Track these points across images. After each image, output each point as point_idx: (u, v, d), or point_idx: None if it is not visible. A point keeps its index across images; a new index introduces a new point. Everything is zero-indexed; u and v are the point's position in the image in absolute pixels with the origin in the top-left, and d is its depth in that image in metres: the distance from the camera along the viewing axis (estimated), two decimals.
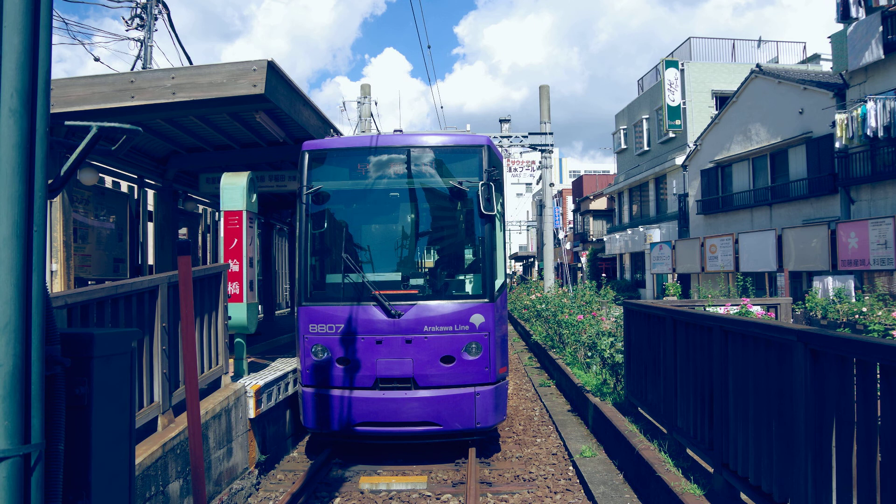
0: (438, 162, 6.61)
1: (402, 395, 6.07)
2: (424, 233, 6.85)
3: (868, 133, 14.83)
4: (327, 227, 6.64)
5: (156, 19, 14.87)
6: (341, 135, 8.88)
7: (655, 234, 27.18)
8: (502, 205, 6.75)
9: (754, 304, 6.42)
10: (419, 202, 6.75)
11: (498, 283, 6.43)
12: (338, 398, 6.13)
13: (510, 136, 23.35)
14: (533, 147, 23.25)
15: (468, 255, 6.71)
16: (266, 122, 6.98)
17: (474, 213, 6.41)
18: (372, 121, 25.42)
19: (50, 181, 1.67)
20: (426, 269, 6.76)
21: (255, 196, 6.58)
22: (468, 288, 6.51)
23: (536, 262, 44.58)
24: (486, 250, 6.37)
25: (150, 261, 10.38)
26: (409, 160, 6.58)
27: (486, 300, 6.27)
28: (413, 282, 6.57)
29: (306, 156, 6.57)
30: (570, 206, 47.39)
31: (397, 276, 6.59)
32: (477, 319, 6.18)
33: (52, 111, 1.76)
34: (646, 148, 29.78)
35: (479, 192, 6.27)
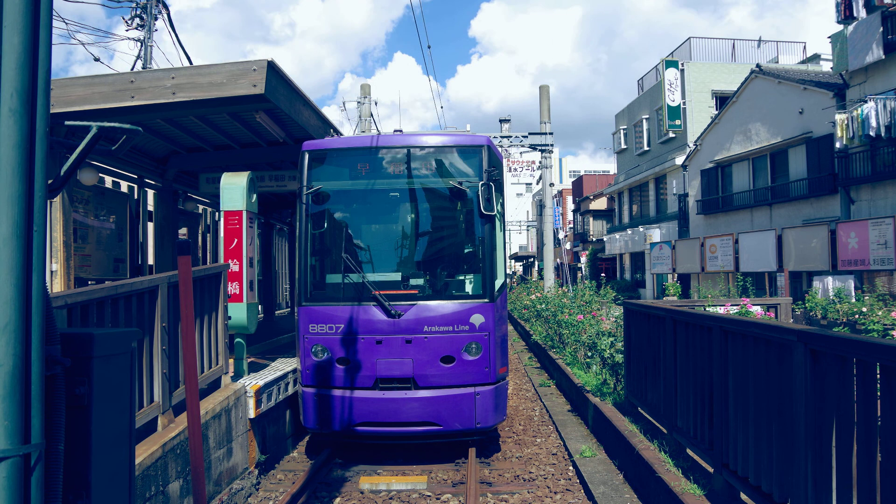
0: (438, 162, 6.61)
1: (402, 395, 6.08)
2: (424, 233, 6.86)
3: (868, 133, 14.84)
4: (327, 227, 6.64)
5: (156, 19, 14.88)
6: (341, 135, 8.88)
7: (655, 234, 27.18)
8: (502, 205, 6.75)
9: (754, 304, 6.42)
10: (419, 202, 6.76)
11: (498, 283, 6.43)
12: (338, 398, 6.14)
13: (510, 136, 23.36)
14: (533, 147, 23.24)
15: (468, 254, 6.72)
16: (266, 122, 6.98)
17: (474, 213, 6.41)
18: (372, 121, 25.43)
19: (50, 181, 1.67)
20: (426, 269, 6.76)
21: (255, 196, 6.58)
22: (468, 288, 6.51)
23: (536, 262, 44.60)
24: (486, 250, 6.38)
25: (150, 261, 10.38)
26: (409, 160, 6.58)
27: (486, 300, 6.27)
28: (413, 282, 6.57)
29: (306, 156, 6.57)
30: (570, 206, 47.40)
31: (397, 276, 6.59)
32: (477, 319, 6.18)
33: (52, 111, 1.76)
34: (646, 148, 29.78)
35: (479, 192, 6.27)
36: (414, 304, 6.21)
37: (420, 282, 6.59)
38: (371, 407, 6.08)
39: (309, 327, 6.28)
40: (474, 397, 6.12)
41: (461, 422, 6.08)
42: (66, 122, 3.53)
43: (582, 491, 5.46)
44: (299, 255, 6.55)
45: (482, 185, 6.29)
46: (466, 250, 6.77)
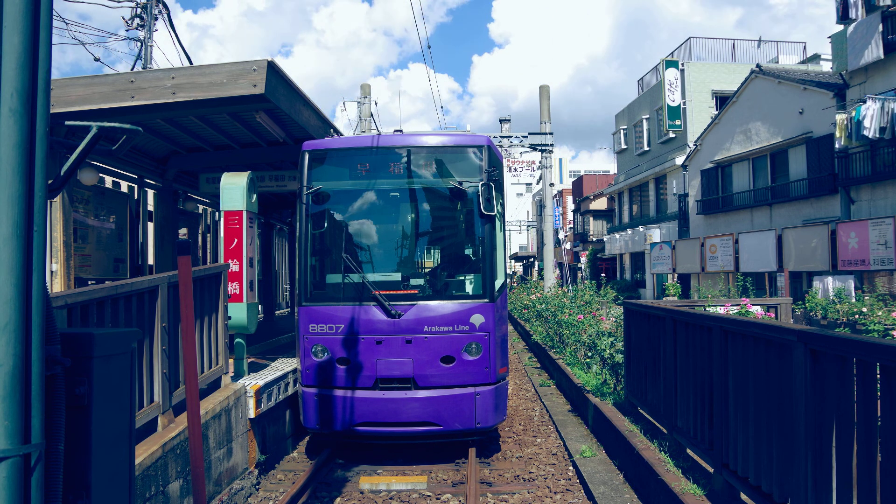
0: (439, 162, 6.61)
1: (403, 395, 6.08)
2: (424, 233, 6.85)
3: (868, 133, 14.83)
4: (327, 228, 6.64)
5: (156, 19, 14.87)
6: (341, 135, 8.88)
7: (655, 234, 27.18)
8: (502, 205, 6.75)
9: (754, 304, 6.41)
10: (419, 202, 6.75)
11: (498, 283, 6.43)
12: (338, 398, 6.15)
13: (510, 136, 23.33)
14: (533, 147, 23.22)
15: (468, 255, 6.72)
16: (266, 122, 6.98)
17: (474, 213, 6.41)
18: (372, 121, 25.43)
19: (50, 181, 1.67)
20: (426, 270, 6.77)
21: (255, 196, 6.58)
22: (468, 288, 6.51)
23: (536, 262, 44.58)
24: (486, 250, 6.37)
25: (150, 261, 10.37)
26: (409, 160, 6.58)
27: (486, 300, 6.26)
28: (413, 282, 6.57)
29: (306, 156, 6.57)
30: (570, 206, 47.41)
31: (397, 277, 6.59)
32: (477, 319, 6.18)
33: (52, 111, 1.76)
34: (646, 148, 29.78)
35: (479, 193, 6.27)
36: (414, 305, 6.20)
37: (420, 282, 6.59)
38: (371, 407, 6.08)
39: (309, 327, 6.28)
40: (474, 397, 6.12)
41: (461, 422, 6.08)
42: (66, 122, 3.53)
43: (582, 491, 5.45)
44: (299, 254, 6.55)
45: (482, 184, 6.28)
46: (466, 250, 6.77)
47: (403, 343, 6.12)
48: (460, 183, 6.40)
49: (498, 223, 6.52)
